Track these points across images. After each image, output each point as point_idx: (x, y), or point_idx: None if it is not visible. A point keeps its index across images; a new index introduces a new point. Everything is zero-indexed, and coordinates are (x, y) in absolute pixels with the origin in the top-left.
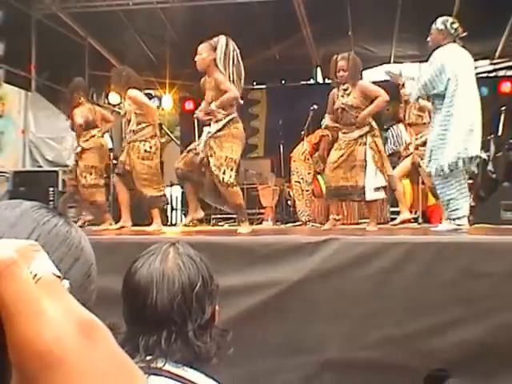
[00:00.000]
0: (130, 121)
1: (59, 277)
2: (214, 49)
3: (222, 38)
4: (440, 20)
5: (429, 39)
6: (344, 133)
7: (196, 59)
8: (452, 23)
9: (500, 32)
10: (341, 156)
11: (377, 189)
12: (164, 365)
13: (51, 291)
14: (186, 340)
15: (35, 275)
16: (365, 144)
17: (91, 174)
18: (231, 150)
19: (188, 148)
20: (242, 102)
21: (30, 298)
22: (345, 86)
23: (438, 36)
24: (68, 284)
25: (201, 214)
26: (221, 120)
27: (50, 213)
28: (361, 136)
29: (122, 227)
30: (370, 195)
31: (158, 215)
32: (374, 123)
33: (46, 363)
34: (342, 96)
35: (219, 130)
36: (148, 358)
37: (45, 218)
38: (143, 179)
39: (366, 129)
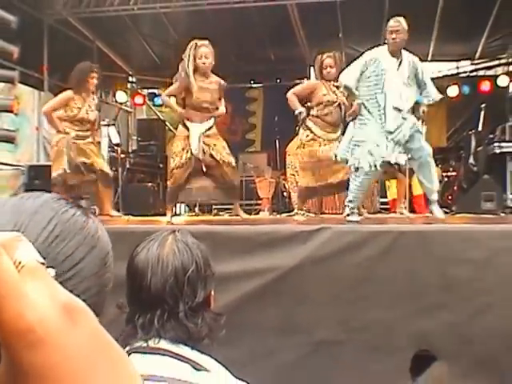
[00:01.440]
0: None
1: (43, 264)
2: (213, 53)
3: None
4: (403, 19)
5: (395, 36)
6: (327, 131)
7: (203, 62)
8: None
9: (480, 34)
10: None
11: None
12: (159, 342)
13: (34, 276)
14: (178, 320)
15: (19, 263)
16: None
17: None
18: (223, 139)
19: (177, 166)
20: None
21: (11, 282)
22: (337, 83)
23: (404, 36)
24: (53, 272)
25: None
26: (210, 119)
27: (69, 204)
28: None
29: None
30: None
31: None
32: None
33: (30, 342)
34: (334, 92)
35: (211, 128)
36: (145, 336)
37: (63, 208)
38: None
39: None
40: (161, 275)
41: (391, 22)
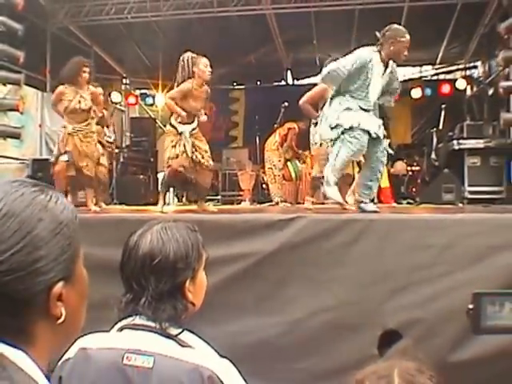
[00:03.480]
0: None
1: None
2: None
3: None
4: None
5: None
6: None
7: (208, 72)
8: None
9: (440, 41)
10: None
11: None
12: (144, 319)
13: None
14: (139, 305)
15: None
16: None
17: None
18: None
19: (176, 152)
20: None
21: None
22: None
23: None
24: None
25: None
26: (194, 121)
27: (23, 185)
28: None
29: None
30: None
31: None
32: None
33: None
34: None
35: (195, 128)
36: (127, 313)
37: (14, 189)
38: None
39: None
40: (132, 261)
41: (408, 37)
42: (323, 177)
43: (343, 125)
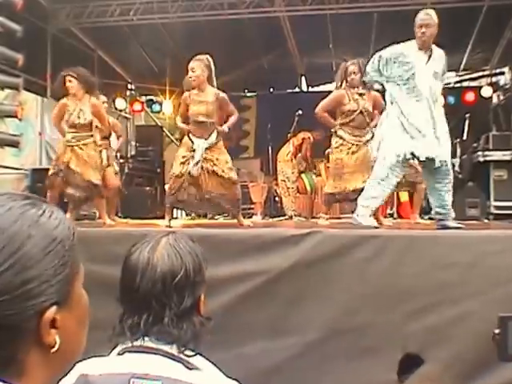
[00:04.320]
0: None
1: None
2: (207, 67)
3: (209, 57)
4: (431, 12)
5: (425, 30)
6: (356, 135)
7: (190, 76)
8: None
9: (464, 47)
10: (356, 160)
11: None
12: (149, 342)
13: None
14: (162, 325)
15: None
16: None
17: None
18: (228, 154)
19: (176, 173)
20: None
21: None
22: (361, 90)
23: (435, 31)
24: None
25: None
26: (213, 133)
27: (12, 198)
28: (371, 137)
29: None
30: None
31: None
32: None
33: None
34: (356, 100)
35: (215, 142)
36: (133, 337)
37: (0, 203)
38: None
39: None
40: (149, 279)
41: (421, 15)
42: (338, 193)
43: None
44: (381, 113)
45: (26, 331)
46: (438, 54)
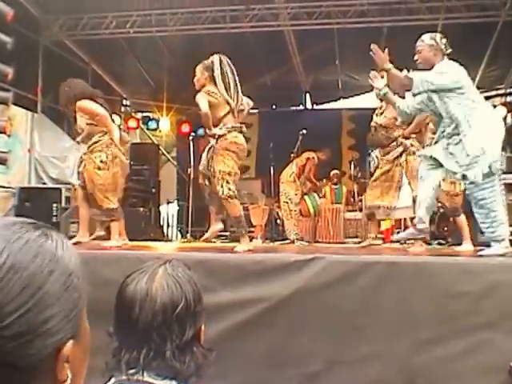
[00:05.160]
0: (82, 131)
1: None
2: (207, 68)
3: (216, 57)
4: (428, 36)
5: (417, 57)
6: (381, 155)
7: (193, 82)
8: (441, 38)
9: (478, 64)
10: (381, 174)
11: (406, 207)
12: (146, 376)
13: None
14: (164, 359)
15: None
16: (401, 165)
17: None
18: (223, 164)
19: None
20: (243, 112)
21: None
22: (380, 105)
23: (429, 53)
24: None
25: (220, 225)
26: (214, 136)
27: (24, 228)
28: (397, 157)
29: (79, 242)
30: (401, 214)
31: (117, 229)
32: (410, 141)
33: None
34: (376, 115)
35: (215, 146)
36: (130, 372)
37: (16, 236)
38: (99, 190)
39: (400, 149)
40: (149, 311)
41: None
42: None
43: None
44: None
45: (43, 369)
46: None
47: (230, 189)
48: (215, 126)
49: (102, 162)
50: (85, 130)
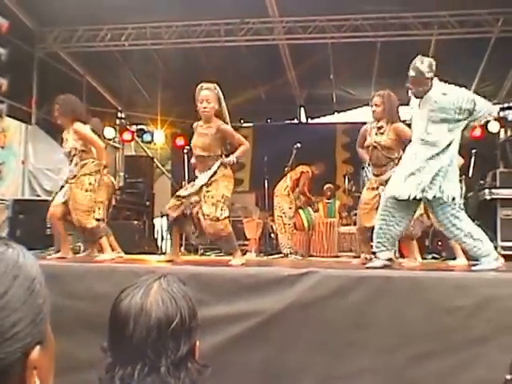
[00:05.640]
0: (73, 155)
1: None
2: (219, 99)
3: (217, 87)
4: (417, 60)
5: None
6: (375, 174)
7: (204, 107)
8: (431, 64)
9: (471, 78)
10: (374, 197)
11: None
12: None
13: None
14: (159, 375)
15: None
16: None
17: None
18: (227, 189)
19: (178, 195)
20: None
21: None
22: (379, 124)
23: (425, 80)
24: None
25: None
26: (213, 166)
27: None
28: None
29: (63, 258)
30: None
31: (107, 244)
32: None
33: None
34: (376, 134)
35: (213, 176)
36: None
37: None
38: (83, 211)
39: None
40: (143, 327)
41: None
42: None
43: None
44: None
45: (12, 375)
46: (428, 96)
47: (226, 211)
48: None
49: (90, 184)
50: (77, 154)
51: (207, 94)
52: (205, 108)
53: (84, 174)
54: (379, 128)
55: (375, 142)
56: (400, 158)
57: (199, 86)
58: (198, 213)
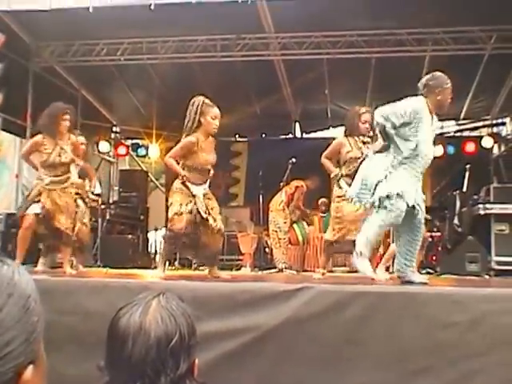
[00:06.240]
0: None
1: None
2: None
3: None
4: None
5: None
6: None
7: (217, 124)
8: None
9: (465, 94)
10: (357, 210)
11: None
12: None
13: None
14: None
15: None
16: None
17: None
18: (216, 202)
19: (181, 210)
20: None
21: None
22: (365, 139)
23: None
24: None
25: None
26: (207, 180)
27: None
28: None
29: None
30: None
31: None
32: None
33: None
34: (360, 148)
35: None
36: None
37: None
38: (62, 214)
39: None
40: (142, 346)
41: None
42: (336, 242)
43: (384, 191)
44: None
45: None
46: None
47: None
48: None
49: (77, 194)
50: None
51: (217, 113)
52: (216, 126)
53: (69, 185)
54: (365, 143)
55: (363, 153)
56: None
57: (205, 101)
58: (199, 226)
